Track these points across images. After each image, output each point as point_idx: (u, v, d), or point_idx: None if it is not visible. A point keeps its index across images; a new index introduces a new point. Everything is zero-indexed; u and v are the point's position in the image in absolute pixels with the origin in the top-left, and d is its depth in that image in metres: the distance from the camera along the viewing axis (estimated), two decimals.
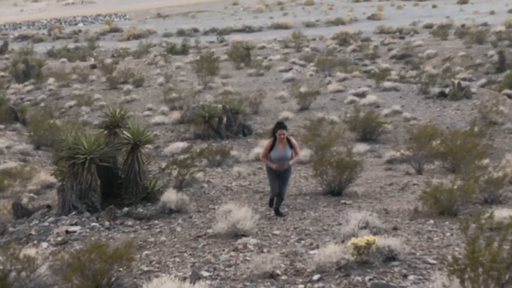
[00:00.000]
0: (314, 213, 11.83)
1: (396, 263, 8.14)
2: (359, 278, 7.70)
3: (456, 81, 31.79)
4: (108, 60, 47.98)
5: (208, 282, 7.95)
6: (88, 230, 11.77)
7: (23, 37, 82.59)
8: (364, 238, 8.11)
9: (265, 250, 9.27)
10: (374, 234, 8.96)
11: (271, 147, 11.62)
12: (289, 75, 37.13)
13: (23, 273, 8.47)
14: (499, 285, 5.61)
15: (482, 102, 27.37)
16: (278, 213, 11.76)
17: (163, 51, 54.70)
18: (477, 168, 13.27)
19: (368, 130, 23.44)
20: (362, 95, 31.16)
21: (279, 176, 11.70)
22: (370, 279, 7.64)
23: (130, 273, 8.54)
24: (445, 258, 8.17)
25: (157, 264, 9.37)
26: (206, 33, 78.52)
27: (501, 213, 9.50)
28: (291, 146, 11.63)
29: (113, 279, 8.15)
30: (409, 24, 72.99)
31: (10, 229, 12.27)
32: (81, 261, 8.04)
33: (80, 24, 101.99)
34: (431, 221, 10.62)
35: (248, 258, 8.94)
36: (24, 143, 23.17)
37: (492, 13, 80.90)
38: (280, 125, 11.86)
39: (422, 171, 16.15)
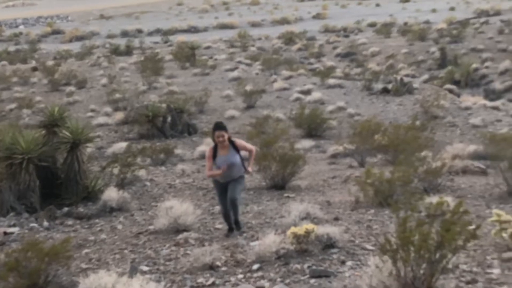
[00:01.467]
0: (257, 207, 11.83)
1: (335, 250, 8.22)
2: (298, 266, 7.74)
3: (398, 77, 32.30)
4: (50, 62, 47.19)
5: (147, 276, 7.86)
6: (27, 231, 11.50)
7: None
8: (303, 227, 8.15)
9: (206, 243, 9.21)
10: (315, 224, 8.98)
11: (214, 155, 9.59)
12: (235, 74, 37.15)
13: None
14: (430, 264, 5.71)
15: (424, 97, 27.87)
16: (237, 224, 9.93)
17: (107, 52, 54.15)
18: (417, 159, 13.49)
19: (313, 127, 23.65)
20: (307, 92, 31.39)
21: (227, 188, 9.66)
22: (308, 266, 7.69)
23: (68, 271, 8.37)
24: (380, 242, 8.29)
25: (97, 262, 9.23)
26: (150, 33, 78.06)
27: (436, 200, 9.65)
28: (237, 149, 9.59)
29: (51, 277, 7.98)
30: (353, 23, 74.12)
31: None
32: (17, 260, 7.85)
33: (21, 27, 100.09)
34: (372, 211, 10.75)
35: (188, 252, 8.88)
36: None
37: (433, 11, 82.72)
38: (217, 126, 9.66)
39: (364, 164, 16.35)
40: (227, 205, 9.65)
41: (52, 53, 61.34)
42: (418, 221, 5.64)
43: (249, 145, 9.93)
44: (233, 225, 9.90)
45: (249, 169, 9.77)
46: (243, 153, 9.88)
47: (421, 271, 5.75)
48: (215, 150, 9.59)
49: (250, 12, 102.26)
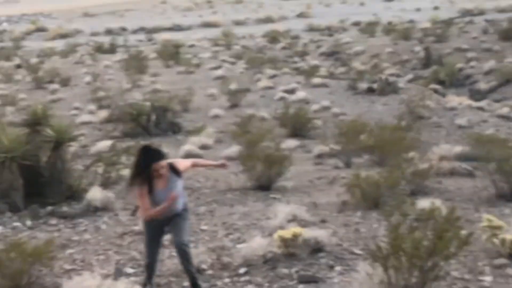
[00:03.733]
0: (243, 208, 11.71)
1: (322, 254, 8.11)
2: (286, 271, 7.63)
3: (383, 77, 32.29)
4: (34, 60, 46.81)
5: (132, 278, 7.74)
6: (10, 230, 11.32)
7: None
8: (290, 230, 8.05)
9: (191, 245, 9.08)
10: (302, 227, 8.90)
11: (149, 188, 7.05)
12: (219, 72, 36.98)
13: None
14: (422, 272, 5.62)
15: (409, 97, 27.86)
16: (195, 284, 7.36)
17: (91, 50, 53.77)
18: (404, 160, 13.43)
19: (297, 126, 23.55)
20: (292, 91, 31.29)
21: (163, 229, 7.45)
22: (296, 271, 7.58)
23: (51, 272, 8.24)
24: (371, 249, 8.20)
25: (81, 263, 9.08)
26: (134, 31, 77.53)
27: (426, 204, 9.57)
28: (179, 173, 7.22)
29: (34, 278, 7.84)
30: (337, 22, 73.94)
31: None
32: (0, 260, 7.71)
33: (5, 24, 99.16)
34: (359, 213, 10.66)
35: (174, 253, 8.73)
36: None
37: (418, 10, 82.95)
38: (153, 156, 7.05)
39: (350, 164, 16.28)
40: (157, 255, 7.55)
41: (36, 50, 60.70)
42: (410, 228, 5.55)
43: (188, 161, 7.64)
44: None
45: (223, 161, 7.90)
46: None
47: (413, 279, 5.67)
48: (149, 181, 7.06)
49: (234, 10, 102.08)
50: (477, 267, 7.54)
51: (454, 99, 29.54)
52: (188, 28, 79.02)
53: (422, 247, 5.47)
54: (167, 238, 9.47)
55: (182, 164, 7.40)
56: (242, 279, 7.59)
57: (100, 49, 53.39)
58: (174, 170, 7.19)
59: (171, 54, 42.86)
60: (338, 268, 7.70)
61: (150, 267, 7.47)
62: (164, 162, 7.03)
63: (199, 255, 8.17)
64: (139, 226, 10.28)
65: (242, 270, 7.82)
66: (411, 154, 14.45)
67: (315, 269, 7.69)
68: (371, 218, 10.21)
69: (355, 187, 10.88)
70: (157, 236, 7.44)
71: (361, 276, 6.08)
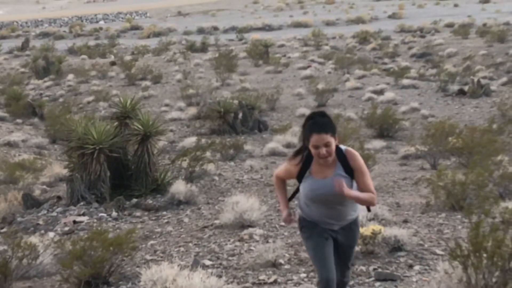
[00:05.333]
0: None
1: (402, 253, 7.95)
2: (363, 268, 7.52)
3: (475, 79, 31.38)
4: (128, 57, 48.15)
5: (210, 270, 7.80)
6: (95, 220, 11.67)
7: (45, 34, 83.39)
8: (369, 228, 7.92)
9: (270, 240, 9.10)
10: (383, 226, 8.74)
11: (301, 172, 5.28)
12: (307, 72, 36.95)
13: (25, 261, 8.39)
14: (503, 272, 5.41)
15: (501, 100, 26.98)
16: None
17: (183, 49, 54.79)
18: (493, 163, 12.99)
19: (385, 127, 23.21)
20: (380, 92, 30.89)
21: (335, 243, 5.47)
22: (374, 269, 7.46)
23: (132, 262, 8.42)
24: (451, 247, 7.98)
25: (161, 254, 9.27)
26: (226, 31, 78.60)
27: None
28: (348, 168, 5.17)
29: (114, 267, 8.02)
30: (430, 23, 72.49)
31: (19, 219, 12.20)
32: (83, 249, 7.92)
33: (101, 22, 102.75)
34: (443, 215, 10.38)
35: (252, 248, 8.79)
36: (40, 137, 23.27)
37: None
38: (317, 124, 5.06)
39: (437, 166, 15.88)
40: (333, 273, 5.31)
41: (130, 48, 62.43)
42: (492, 226, 5.34)
43: (368, 177, 5.26)
44: None
45: (351, 193, 5.12)
46: None
47: (494, 279, 5.47)
48: (306, 164, 5.23)
49: (325, 11, 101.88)
50: None
51: None
52: (279, 28, 79.41)
53: (504, 246, 5.27)
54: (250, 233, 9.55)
55: (359, 161, 5.16)
56: None
57: (192, 48, 54.37)
58: (344, 160, 5.12)
59: (261, 53, 43.18)
60: (417, 267, 7.52)
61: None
62: (330, 137, 4.99)
63: (277, 249, 8.15)
64: (219, 221, 10.36)
65: None
66: (500, 157, 13.94)
67: (394, 267, 7.54)
68: (455, 220, 9.92)
69: (439, 187, 10.58)
70: (325, 243, 5.37)
71: (439, 275, 5.91)
